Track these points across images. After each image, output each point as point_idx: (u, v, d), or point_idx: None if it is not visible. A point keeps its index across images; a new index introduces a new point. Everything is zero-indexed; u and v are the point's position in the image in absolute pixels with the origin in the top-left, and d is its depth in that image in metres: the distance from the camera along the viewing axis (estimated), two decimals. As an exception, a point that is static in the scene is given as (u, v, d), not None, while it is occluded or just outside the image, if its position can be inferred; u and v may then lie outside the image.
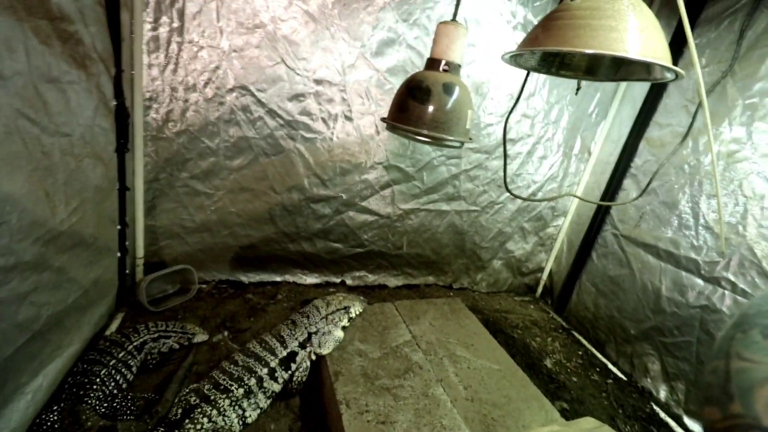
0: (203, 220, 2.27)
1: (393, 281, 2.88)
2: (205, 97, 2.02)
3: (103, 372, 1.60)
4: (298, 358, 1.79)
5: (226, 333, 2.11)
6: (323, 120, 2.22)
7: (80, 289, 1.52)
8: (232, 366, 1.66)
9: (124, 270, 2.06)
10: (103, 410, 1.53)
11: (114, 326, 1.98)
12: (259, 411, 1.65)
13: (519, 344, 2.52)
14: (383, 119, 1.42)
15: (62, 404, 1.45)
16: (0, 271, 1.03)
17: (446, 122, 1.29)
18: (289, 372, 1.77)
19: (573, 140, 2.75)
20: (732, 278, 1.96)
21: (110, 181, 1.73)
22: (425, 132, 1.28)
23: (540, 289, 3.20)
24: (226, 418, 1.54)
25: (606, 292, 2.65)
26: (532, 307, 3.06)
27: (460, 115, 1.32)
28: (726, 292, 1.98)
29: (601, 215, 2.70)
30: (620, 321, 2.53)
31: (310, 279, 2.68)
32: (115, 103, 1.66)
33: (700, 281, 2.10)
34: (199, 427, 1.45)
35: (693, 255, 2.14)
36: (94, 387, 1.54)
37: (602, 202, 2.44)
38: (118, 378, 1.65)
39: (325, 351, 1.81)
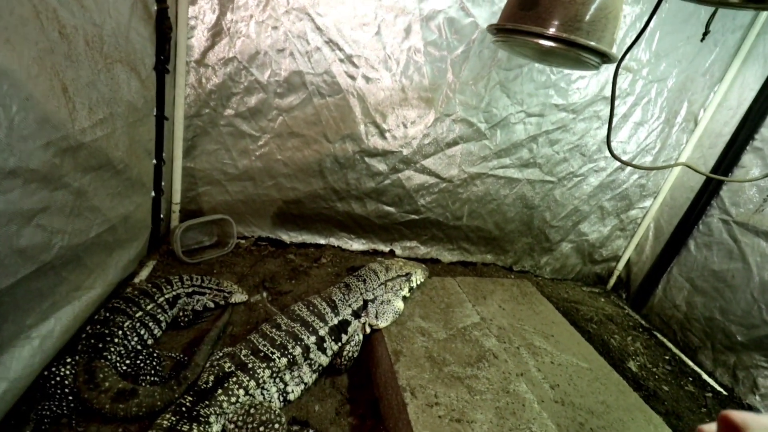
0: (247, 167, 2.01)
1: (447, 256, 2.55)
2: (256, 19, 1.72)
3: (127, 324, 1.37)
4: (350, 329, 1.51)
5: (265, 294, 1.86)
6: (389, 57, 1.88)
7: (105, 222, 1.28)
8: (274, 330, 1.39)
9: (158, 213, 1.83)
10: (124, 368, 1.31)
11: (144, 274, 1.76)
12: (303, 387, 1.39)
13: (596, 341, 2.15)
14: (493, 26, 1.06)
15: (77, 357, 1.23)
16: (-5, 173, 0.78)
17: (592, 23, 0.93)
18: (339, 344, 1.49)
19: (678, 105, 2.28)
20: None
21: (147, 103, 1.47)
22: (561, 34, 0.92)
23: (613, 281, 2.79)
24: (265, 392, 1.27)
25: (706, 289, 2.21)
26: (602, 300, 2.66)
27: (610, 15, 0.95)
28: None
29: (706, 197, 2.25)
30: (723, 324, 2.10)
31: (357, 245, 2.39)
32: (156, 7, 1.38)
33: None
34: (233, 399, 1.19)
35: None
36: (116, 340, 1.31)
37: (719, 176, 1.99)
38: (143, 333, 1.42)
39: (382, 323, 1.51)
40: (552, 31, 0.94)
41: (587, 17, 0.92)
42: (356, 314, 1.54)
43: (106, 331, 1.31)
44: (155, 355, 1.36)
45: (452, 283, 1.94)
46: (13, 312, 0.95)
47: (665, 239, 2.46)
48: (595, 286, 2.83)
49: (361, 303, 1.56)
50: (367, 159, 2.11)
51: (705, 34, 1.82)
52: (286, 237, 2.28)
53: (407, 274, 1.69)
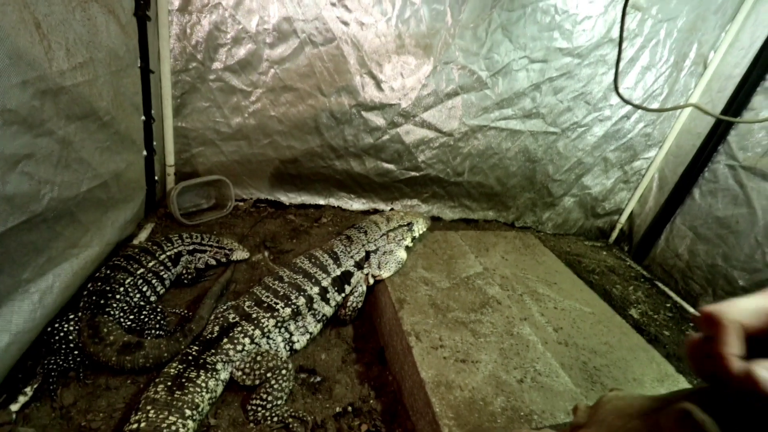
0: (240, 125, 1.94)
1: (449, 214, 2.53)
2: (241, -39, 1.61)
3: (128, 281, 1.36)
4: (353, 280, 1.50)
5: (266, 253, 1.84)
6: None
7: (96, 178, 1.24)
8: (276, 282, 1.38)
9: (152, 175, 1.79)
10: (128, 323, 1.30)
11: (143, 236, 1.74)
12: (308, 337, 1.39)
13: (598, 290, 2.15)
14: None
15: (80, 313, 1.22)
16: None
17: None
18: (343, 294, 1.48)
19: (688, 47, 2.18)
20: None
21: (129, 51, 1.39)
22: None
23: (615, 234, 2.77)
24: (270, 341, 1.28)
25: (709, 236, 2.20)
26: (604, 253, 2.65)
27: None
28: None
29: (713, 143, 2.19)
30: (725, 270, 2.10)
31: (357, 204, 2.36)
32: (129, -56, 1.28)
33: None
34: (239, 348, 1.20)
35: None
36: (118, 297, 1.30)
37: (729, 118, 1.93)
38: (145, 289, 1.41)
39: (385, 273, 1.50)
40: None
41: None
42: (359, 265, 1.53)
43: (108, 288, 1.30)
44: (159, 310, 1.36)
45: (454, 237, 1.92)
46: (8, 264, 0.93)
47: (669, 189, 2.42)
48: (597, 240, 2.82)
49: (364, 254, 1.54)
50: (364, 113, 2.04)
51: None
52: (285, 198, 2.25)
53: (409, 223, 1.67)
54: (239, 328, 1.23)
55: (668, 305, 2.22)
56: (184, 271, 1.55)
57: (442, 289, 1.51)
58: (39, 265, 1.06)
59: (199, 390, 1.07)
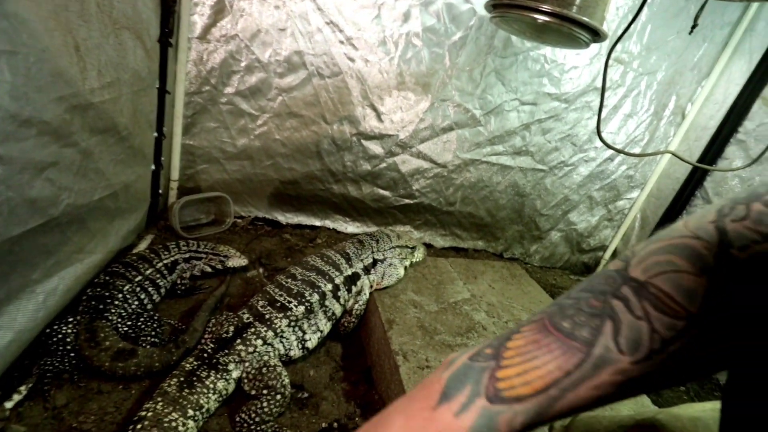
0: (245, 146, 2.04)
1: (440, 241, 2.61)
2: (259, -2, 1.75)
3: (126, 288, 1.41)
4: (359, 283, 1.56)
5: (261, 270, 1.90)
6: (388, 40, 1.92)
7: (108, 187, 1.31)
8: (290, 281, 1.44)
9: (157, 188, 1.86)
10: (125, 329, 1.34)
11: (142, 246, 1.79)
12: (319, 335, 1.45)
13: (582, 322, 2.21)
14: (490, 2, 1.12)
15: (79, 317, 1.26)
16: (11, 120, 0.80)
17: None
18: (350, 294, 1.55)
19: (667, 98, 2.36)
20: None
21: (150, 74, 1.50)
22: (554, 9, 0.98)
23: (599, 270, 2.86)
24: (284, 341, 1.34)
25: (687, 275, 2.29)
26: (589, 287, 2.73)
27: (599, -7, 1.01)
28: None
29: (690, 188, 2.33)
30: (703, 309, 2.18)
31: (351, 227, 2.44)
32: (160, -21, 1.41)
33: (826, 266, 1.73)
34: (251, 349, 1.25)
35: (820, 235, 1.76)
36: (116, 303, 1.35)
37: (705, 165, 2.07)
38: (143, 297, 1.46)
39: (385, 283, 1.59)
40: (547, 6, 0.99)
41: (579, -6, 0.98)
42: (366, 270, 1.61)
43: (107, 294, 1.34)
44: (155, 318, 1.40)
45: (444, 263, 2.00)
46: (21, 264, 0.98)
47: (651, 229, 2.54)
48: (582, 275, 2.90)
49: (371, 261, 1.62)
50: (363, 141, 2.15)
51: (693, 26, 1.89)
52: (282, 218, 2.32)
53: (413, 247, 1.77)
54: (252, 329, 1.28)
55: (649, 342, 2.28)
56: (179, 281, 1.59)
57: (430, 312, 1.57)
58: (47, 268, 1.11)
59: (206, 391, 1.13)
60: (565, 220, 2.69)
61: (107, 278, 1.39)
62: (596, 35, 1.04)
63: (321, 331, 1.45)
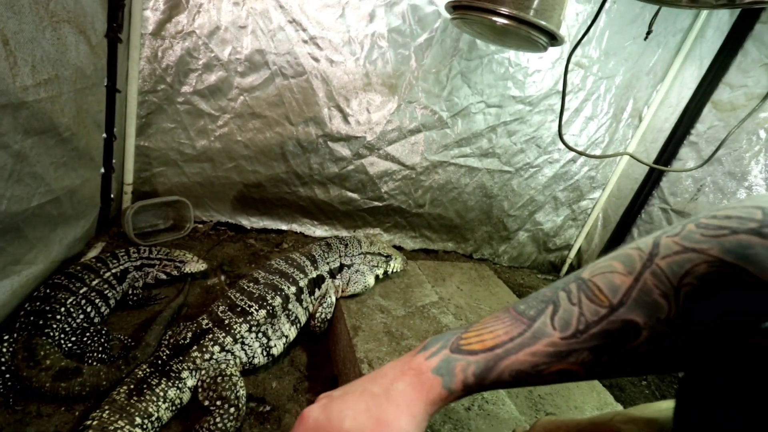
0: (205, 148, 1.95)
1: (410, 243, 2.60)
2: (217, -6, 1.68)
3: (70, 300, 1.31)
4: (324, 286, 1.52)
5: (223, 277, 1.82)
6: (354, 41, 1.89)
7: (49, 193, 1.21)
8: (251, 285, 1.39)
9: (108, 193, 1.75)
10: (69, 346, 1.24)
11: (92, 255, 1.67)
12: (284, 341, 1.39)
13: (548, 321, 2.25)
14: (450, 2, 1.11)
15: (15, 334, 1.16)
16: None
17: (541, 3, 0.98)
18: (313, 297, 1.50)
19: (625, 101, 2.44)
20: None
21: (97, 71, 1.40)
22: (512, 12, 0.97)
23: (565, 268, 2.94)
24: (246, 348, 1.28)
25: (646, 272, 2.38)
26: (556, 286, 2.79)
27: (556, -4, 1.01)
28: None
29: (648, 187, 2.42)
30: (661, 305, 2.27)
31: (320, 231, 2.39)
32: (106, -31, 1.32)
33: (771, 261, 1.83)
34: (207, 357, 1.19)
35: (765, 232, 1.86)
36: (58, 317, 1.24)
37: (660, 167, 2.15)
38: (89, 310, 1.36)
39: (351, 290, 1.54)
40: (504, 9, 0.99)
41: (536, -2, 0.98)
42: (332, 273, 1.56)
43: (47, 308, 1.24)
44: (103, 332, 1.30)
45: (413, 266, 1.98)
46: (-60, 278, 0.89)
47: (612, 228, 2.62)
48: (549, 273, 2.97)
49: (338, 265, 1.57)
50: (330, 143, 2.11)
51: (648, 33, 1.96)
52: (247, 222, 2.24)
53: (388, 256, 1.71)
54: (210, 335, 1.22)
55: (612, 338, 2.35)
56: (130, 291, 1.49)
57: (397, 317, 1.54)
58: (-25, 281, 1.01)
59: (155, 399, 1.07)
60: (531, 220, 2.74)
61: (48, 291, 1.29)
62: (554, 39, 1.05)
63: (286, 337, 1.40)
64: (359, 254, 1.65)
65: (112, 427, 0.98)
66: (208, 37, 1.74)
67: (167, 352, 1.19)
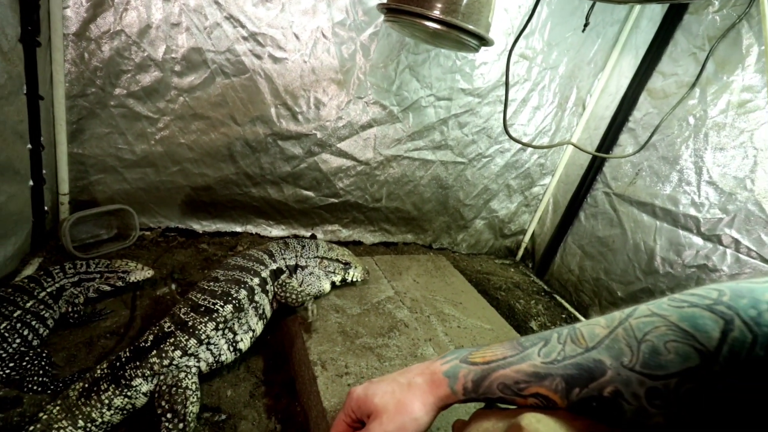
0: (146, 152, 1.87)
1: (369, 238, 2.61)
2: (145, -10, 1.59)
3: (3, 325, 1.23)
4: (282, 277, 1.51)
5: (173, 286, 1.77)
6: (296, 36, 1.85)
7: (-35, 214, 1.13)
8: (212, 284, 1.36)
9: (41, 205, 1.65)
10: (6, 372, 1.18)
11: (27, 272, 1.58)
12: (251, 335, 1.38)
13: (504, 306, 2.35)
14: (382, 5, 1.10)
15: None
16: None
17: (468, 6, 1.00)
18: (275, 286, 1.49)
19: (569, 91, 2.53)
20: (736, 235, 1.84)
21: (13, 79, 1.30)
22: (441, 16, 0.98)
23: (521, 252, 3.05)
24: (212, 347, 1.26)
25: (593, 253, 2.52)
26: (512, 270, 2.91)
27: (483, 0, 1.03)
28: (728, 250, 1.87)
29: (592, 173, 2.54)
30: (607, 283, 2.41)
31: (276, 231, 2.36)
32: (13, -31, 1.22)
33: (699, 240, 1.98)
34: (166, 362, 1.16)
35: (693, 212, 2.01)
36: (-8, 345, 1.18)
37: (600, 154, 2.26)
38: (25, 333, 1.29)
39: (300, 293, 1.48)
40: (434, 13, 0.99)
41: (464, 2, 0.99)
42: (288, 269, 1.55)
43: (-22, 336, 1.17)
44: (44, 354, 1.24)
45: (369, 262, 2.00)
46: None
47: (561, 212, 2.74)
48: (506, 258, 3.08)
49: (294, 264, 1.57)
50: (280, 142, 2.07)
51: (586, 24, 2.03)
52: (198, 226, 2.18)
53: (347, 263, 1.69)
54: (172, 339, 1.19)
55: (564, 316, 2.48)
56: (70, 309, 1.43)
57: (352, 316, 1.56)
58: None
59: (99, 406, 1.07)
60: (487, 208, 2.82)
61: (-23, 317, 1.21)
62: (483, 41, 1.07)
63: (253, 331, 1.40)
64: (314, 257, 1.64)
65: (56, 425, 1.01)
66: (139, 35, 1.64)
67: (127, 354, 1.17)
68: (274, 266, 1.50)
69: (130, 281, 1.58)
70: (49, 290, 1.38)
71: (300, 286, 1.55)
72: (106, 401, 1.08)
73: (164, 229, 2.10)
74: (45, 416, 1.01)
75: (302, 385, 1.35)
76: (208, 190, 2.07)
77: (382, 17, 1.92)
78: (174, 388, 1.14)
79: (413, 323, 1.60)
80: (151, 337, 1.20)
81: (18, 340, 1.26)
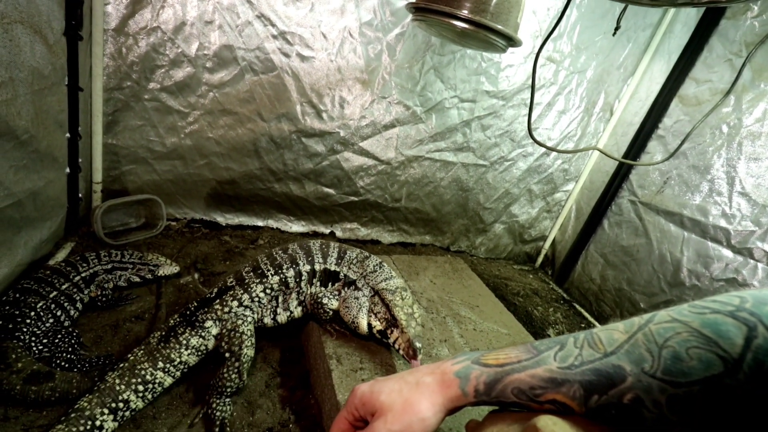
0: (175, 145, 1.93)
1: (387, 237, 2.63)
2: (182, -12, 1.65)
3: (40, 305, 1.30)
4: (335, 285, 1.46)
5: (196, 275, 1.82)
6: (324, 36, 1.88)
7: (9, 197, 1.20)
8: (279, 252, 1.46)
9: (76, 192, 1.73)
10: (39, 349, 1.24)
11: (60, 256, 1.66)
12: (288, 314, 1.45)
13: (521, 312, 2.32)
14: (411, 4, 1.11)
15: (-16, 339, 1.15)
16: None
17: (497, 6, 1.00)
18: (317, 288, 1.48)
19: (596, 96, 2.49)
20: (769, 249, 1.77)
21: (56, 70, 1.37)
22: (470, 16, 0.99)
23: (540, 259, 3.01)
24: (262, 306, 1.40)
25: (616, 263, 2.46)
26: (531, 276, 2.87)
27: (513, 0, 1.03)
28: (760, 264, 1.80)
29: (618, 180, 2.48)
30: (629, 294, 2.35)
31: (296, 227, 2.40)
32: (61, -36, 1.29)
33: (728, 252, 1.91)
34: (227, 309, 1.32)
35: (723, 223, 1.94)
36: (28, 321, 1.24)
37: (627, 160, 2.21)
38: (59, 313, 1.35)
39: (332, 305, 1.40)
40: (463, 12, 1.00)
41: (493, 2, 0.99)
42: (346, 281, 1.44)
43: (17, 312, 1.24)
44: (74, 334, 1.30)
45: (387, 261, 2.01)
46: None
47: (584, 220, 2.69)
48: (525, 264, 3.04)
49: (353, 279, 1.44)
50: (304, 139, 2.11)
51: (617, 28, 1.99)
52: (221, 219, 2.23)
53: (401, 328, 1.24)
54: (231, 292, 1.34)
55: (583, 325, 2.43)
56: (100, 292, 1.49)
57: (368, 313, 1.57)
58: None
59: (178, 347, 1.22)
60: (507, 212, 2.79)
61: (18, 295, 1.28)
62: (511, 41, 1.07)
63: (291, 312, 1.45)
64: (373, 288, 1.38)
65: (138, 366, 1.15)
66: (174, 32, 1.70)
67: (195, 304, 1.32)
68: (333, 267, 1.43)
69: (159, 275, 1.64)
70: (83, 275, 1.45)
71: (335, 301, 1.40)
72: (184, 342, 1.23)
73: (189, 220, 2.16)
74: (131, 358, 1.16)
75: (317, 378, 1.37)
76: (232, 184, 2.12)
77: (409, 18, 1.93)
78: (233, 332, 1.29)
79: (429, 323, 1.60)
80: (215, 290, 1.36)
81: (51, 320, 1.33)
